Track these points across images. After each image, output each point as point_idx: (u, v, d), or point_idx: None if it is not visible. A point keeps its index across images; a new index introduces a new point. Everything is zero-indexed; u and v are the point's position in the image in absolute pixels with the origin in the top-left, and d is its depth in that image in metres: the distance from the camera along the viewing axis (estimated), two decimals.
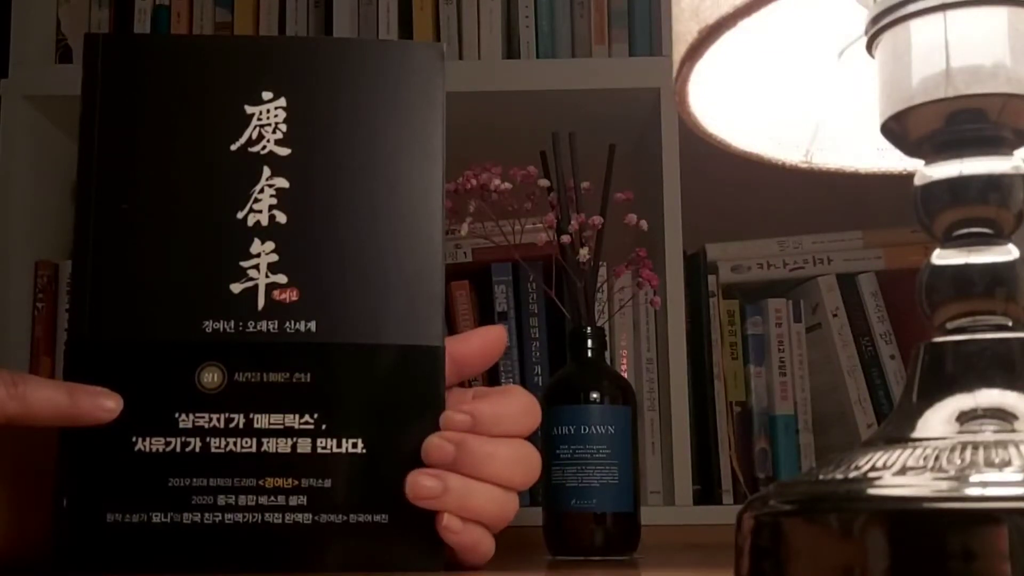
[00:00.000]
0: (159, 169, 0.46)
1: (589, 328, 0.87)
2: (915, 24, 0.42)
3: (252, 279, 0.45)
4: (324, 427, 0.44)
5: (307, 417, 0.44)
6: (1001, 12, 0.41)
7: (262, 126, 0.46)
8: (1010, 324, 0.41)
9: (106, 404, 0.43)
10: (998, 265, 0.41)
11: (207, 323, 0.44)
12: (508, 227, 0.94)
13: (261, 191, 0.45)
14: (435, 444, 0.45)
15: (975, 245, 0.41)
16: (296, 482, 0.44)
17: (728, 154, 0.57)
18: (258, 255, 0.45)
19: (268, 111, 0.46)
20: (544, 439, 0.84)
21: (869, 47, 0.45)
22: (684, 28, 0.46)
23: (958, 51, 0.41)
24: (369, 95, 0.47)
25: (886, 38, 0.43)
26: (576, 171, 0.93)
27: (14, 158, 1.08)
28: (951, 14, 0.41)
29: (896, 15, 0.42)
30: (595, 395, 0.83)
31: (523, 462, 0.48)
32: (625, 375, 1.09)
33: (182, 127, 0.46)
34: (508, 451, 0.47)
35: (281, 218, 0.45)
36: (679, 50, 0.47)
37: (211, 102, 0.46)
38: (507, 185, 0.90)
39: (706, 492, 1.08)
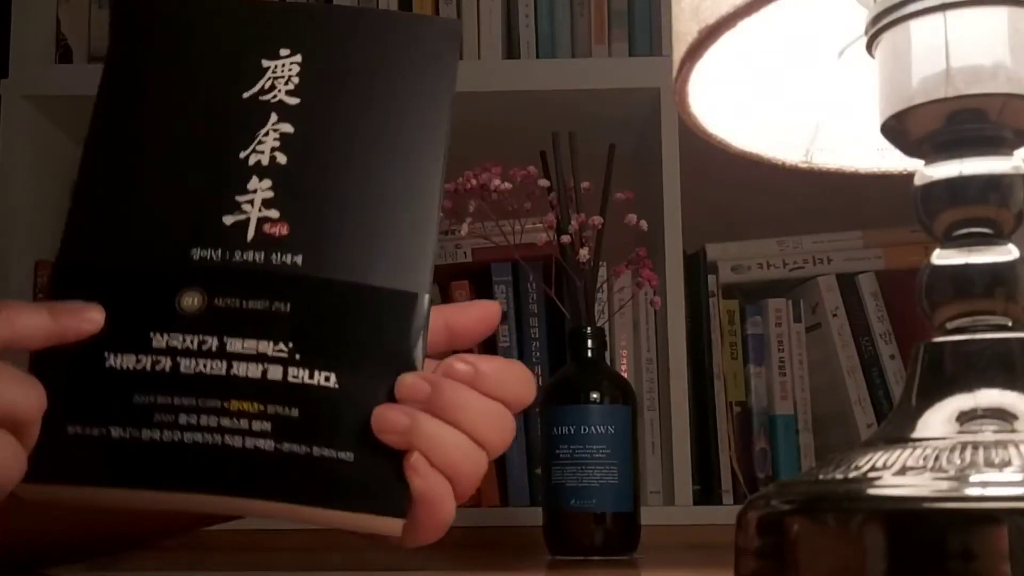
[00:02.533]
0: (170, 106, 0.47)
1: (589, 328, 0.87)
2: (915, 24, 0.42)
3: (245, 212, 0.45)
4: (298, 357, 0.43)
5: (281, 345, 0.43)
6: (1001, 12, 0.41)
7: (276, 78, 0.47)
8: (1010, 324, 0.41)
9: (90, 316, 0.43)
10: (998, 265, 0.41)
11: (195, 250, 0.44)
12: (508, 227, 0.94)
13: (266, 134, 0.46)
14: (409, 381, 0.44)
15: (975, 245, 0.41)
16: (262, 408, 0.43)
17: (728, 154, 0.57)
18: (254, 191, 0.45)
19: (284, 65, 0.47)
20: (544, 439, 0.84)
21: (869, 47, 0.45)
22: (684, 28, 0.46)
23: (958, 51, 0.41)
24: (382, 59, 0.48)
25: (886, 38, 0.43)
26: (576, 171, 0.93)
27: (14, 158, 1.08)
28: (951, 14, 0.41)
29: (896, 15, 0.42)
30: (595, 395, 0.83)
31: (499, 420, 0.46)
32: (625, 375, 1.09)
33: (199, 72, 0.48)
34: (485, 405, 0.45)
35: (282, 159, 0.46)
36: (679, 50, 0.47)
37: (230, 53, 0.48)
38: (507, 185, 0.90)
39: (706, 492, 1.08)
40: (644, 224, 0.91)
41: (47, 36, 1.15)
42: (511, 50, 1.15)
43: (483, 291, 1.09)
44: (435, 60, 0.48)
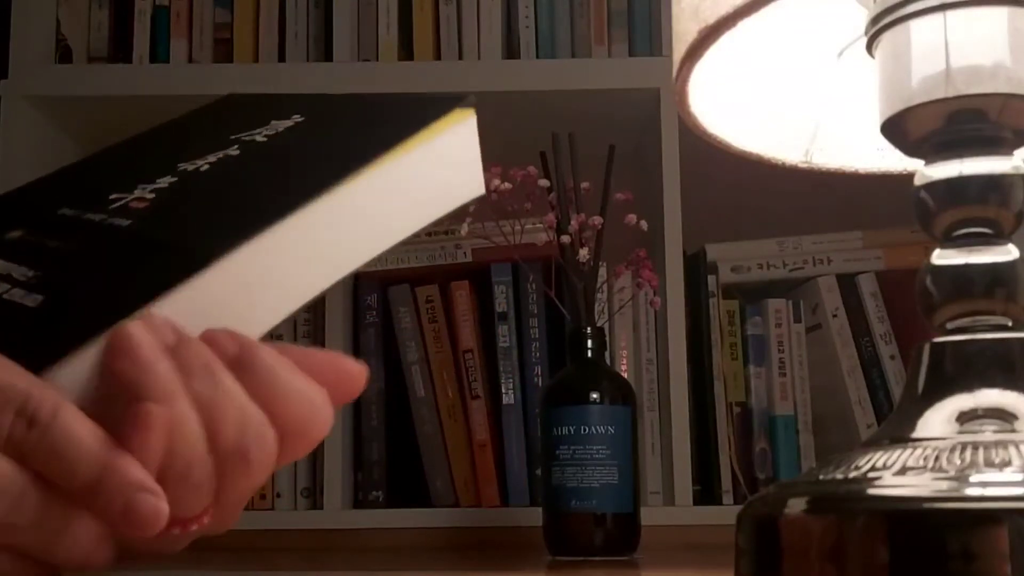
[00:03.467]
0: (180, 132, 0.50)
1: (589, 328, 0.87)
2: (915, 24, 0.42)
3: (132, 193, 0.43)
4: (33, 283, 0.39)
5: (31, 273, 0.39)
6: (1001, 12, 0.41)
7: (267, 127, 0.47)
8: (1010, 324, 0.41)
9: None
10: (998, 265, 0.41)
11: (64, 208, 0.43)
12: (508, 227, 0.94)
13: (214, 155, 0.46)
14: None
15: (975, 245, 0.41)
16: None
17: (728, 154, 0.57)
18: (156, 183, 0.44)
19: (284, 123, 0.48)
20: (544, 439, 0.84)
21: (869, 47, 0.45)
22: (684, 28, 0.46)
23: (958, 51, 0.41)
24: (363, 122, 0.48)
25: (886, 38, 0.43)
26: (576, 171, 0.93)
27: (14, 158, 1.08)
28: (951, 14, 0.41)
29: (896, 15, 0.42)
30: (595, 395, 0.83)
31: (249, 424, 0.34)
32: (625, 375, 1.09)
33: (225, 120, 0.50)
34: (233, 398, 0.33)
35: (204, 168, 0.45)
36: (679, 50, 0.47)
37: (256, 115, 0.49)
38: (507, 185, 0.90)
39: (706, 492, 1.08)
40: (644, 224, 0.91)
41: (47, 36, 1.15)
42: (511, 50, 1.15)
43: (483, 291, 1.09)
44: (394, 124, 0.46)
